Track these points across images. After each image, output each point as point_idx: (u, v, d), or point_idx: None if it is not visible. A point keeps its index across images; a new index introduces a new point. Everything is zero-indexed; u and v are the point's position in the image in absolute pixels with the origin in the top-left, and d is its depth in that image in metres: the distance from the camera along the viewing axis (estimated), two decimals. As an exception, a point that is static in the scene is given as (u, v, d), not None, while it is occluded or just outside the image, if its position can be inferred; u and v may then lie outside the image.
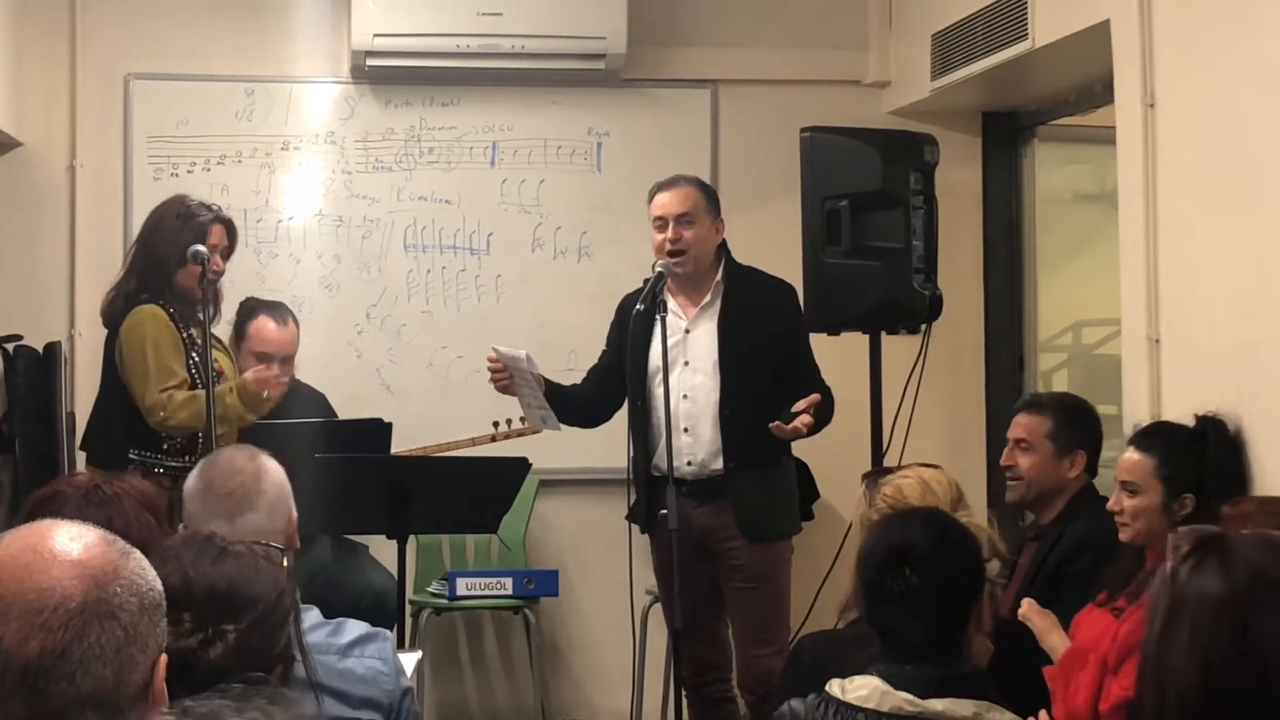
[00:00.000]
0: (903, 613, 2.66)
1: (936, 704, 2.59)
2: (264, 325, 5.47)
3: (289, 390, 5.60)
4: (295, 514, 3.00)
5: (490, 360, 4.91)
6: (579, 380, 5.15)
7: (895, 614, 2.67)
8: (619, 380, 5.00)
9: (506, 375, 4.88)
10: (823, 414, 4.84)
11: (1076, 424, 4.37)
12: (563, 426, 5.06)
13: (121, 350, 4.80)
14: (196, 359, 4.73)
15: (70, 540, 1.53)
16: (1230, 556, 1.98)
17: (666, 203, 4.89)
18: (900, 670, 2.63)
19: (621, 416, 5.02)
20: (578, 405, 5.05)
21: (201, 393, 4.68)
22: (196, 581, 2.15)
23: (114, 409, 4.85)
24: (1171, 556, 2.05)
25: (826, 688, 2.67)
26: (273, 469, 2.99)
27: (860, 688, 2.64)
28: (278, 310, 5.57)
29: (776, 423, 4.71)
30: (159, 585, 1.57)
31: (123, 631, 1.50)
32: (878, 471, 3.66)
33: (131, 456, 4.73)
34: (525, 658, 6.16)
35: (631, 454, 4.94)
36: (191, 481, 3.00)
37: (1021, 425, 4.39)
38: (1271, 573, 1.98)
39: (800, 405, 4.72)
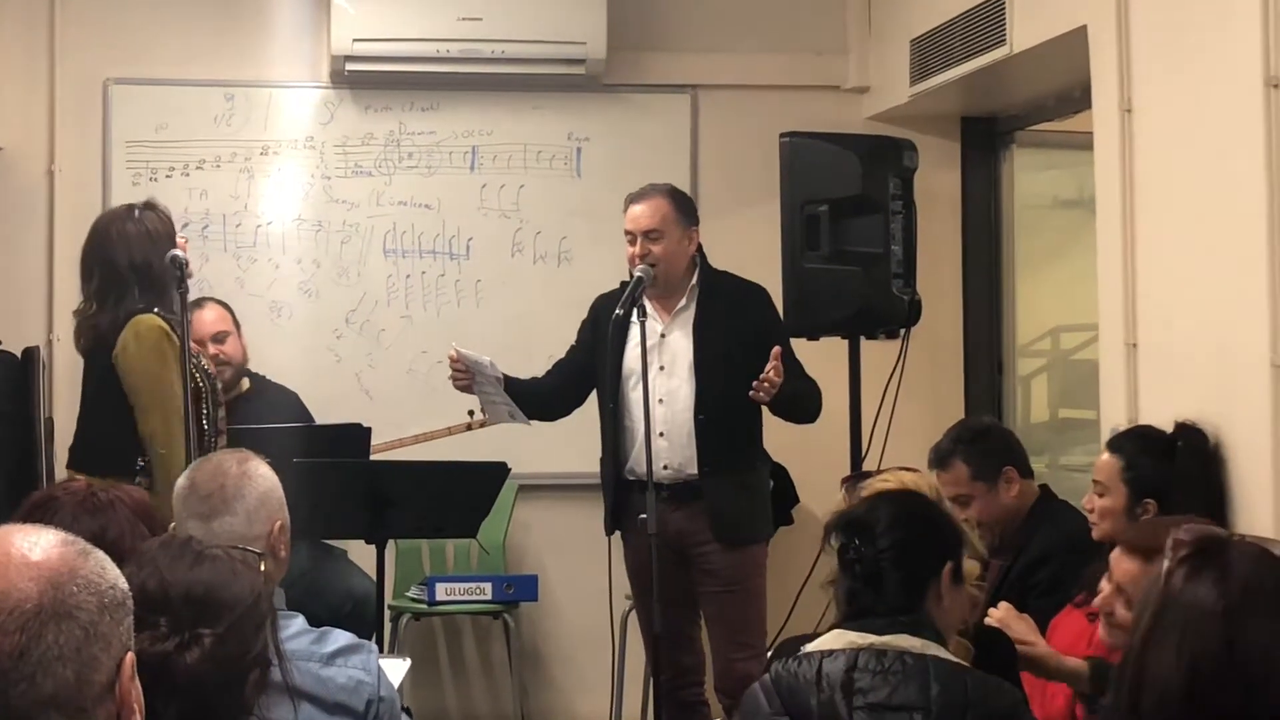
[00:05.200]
0: (862, 579, 2.75)
1: (889, 639, 2.67)
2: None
3: (259, 390, 5.62)
4: (285, 521, 2.97)
5: (452, 359, 4.92)
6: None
7: (855, 580, 2.76)
8: (583, 378, 5.02)
9: (467, 375, 4.90)
10: (808, 402, 4.89)
11: (985, 448, 4.27)
12: (532, 422, 5.07)
13: (135, 360, 4.50)
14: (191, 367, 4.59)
15: (27, 544, 1.54)
16: (1228, 566, 1.96)
17: (635, 217, 4.90)
18: (859, 622, 2.73)
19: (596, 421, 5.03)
20: (537, 398, 5.06)
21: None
22: (173, 585, 2.14)
23: (117, 417, 4.55)
24: (1169, 555, 2.02)
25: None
26: (260, 475, 2.96)
27: (821, 642, 2.73)
28: (193, 304, 5.48)
29: (753, 389, 4.68)
30: (122, 584, 1.57)
31: (82, 631, 1.50)
32: (858, 475, 3.67)
33: (140, 465, 4.49)
34: (505, 663, 6.16)
35: (601, 456, 4.96)
36: (180, 479, 3.00)
37: (948, 483, 4.17)
38: (1266, 585, 1.98)
39: (768, 368, 4.69)
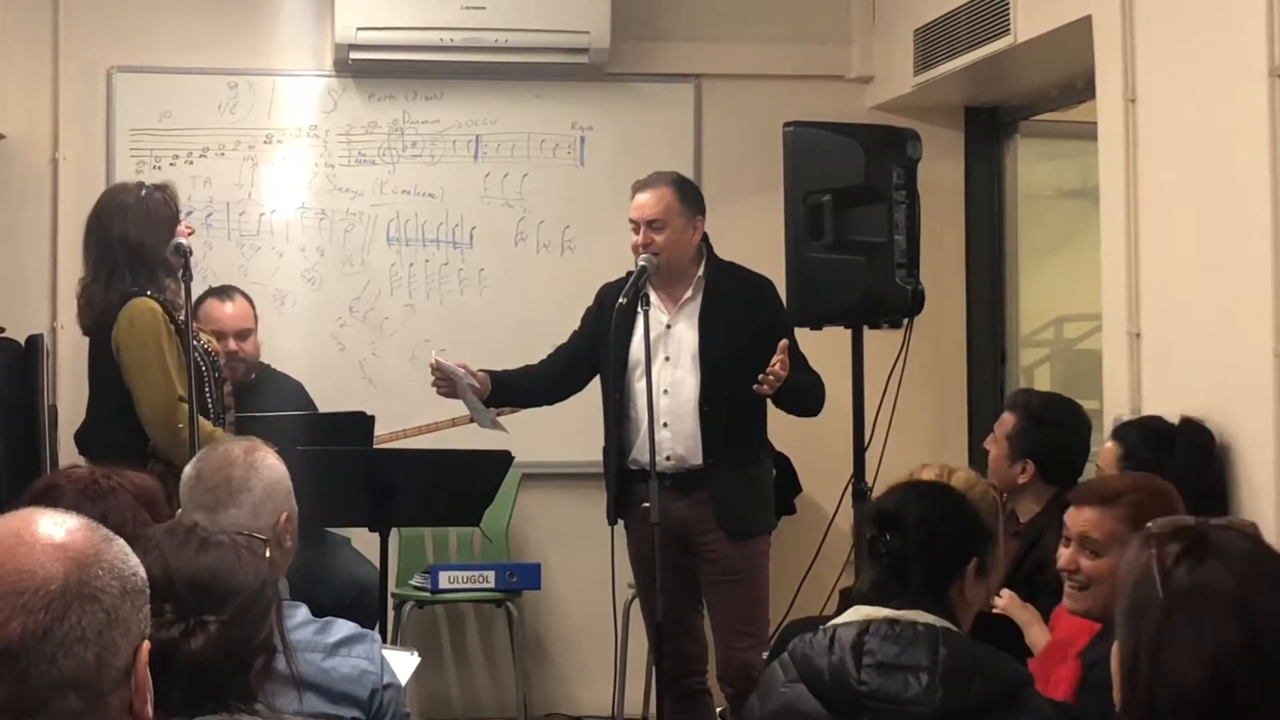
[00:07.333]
0: (889, 569, 2.75)
1: (905, 612, 2.67)
2: (212, 307, 5.50)
3: (263, 379, 5.62)
4: (293, 512, 2.97)
5: (433, 367, 4.94)
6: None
7: (882, 571, 2.76)
8: (582, 363, 5.03)
9: (449, 382, 4.93)
10: (811, 395, 4.90)
11: (1032, 433, 4.25)
12: (507, 431, 5.07)
13: (126, 346, 4.48)
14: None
15: (53, 525, 1.55)
16: (1224, 548, 1.93)
17: (639, 206, 4.91)
18: (881, 604, 2.74)
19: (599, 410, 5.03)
20: (532, 384, 5.09)
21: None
22: (178, 572, 2.14)
23: (120, 401, 4.52)
24: (1148, 550, 1.98)
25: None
26: (267, 466, 2.95)
27: (840, 618, 2.73)
28: (221, 292, 5.56)
29: (757, 382, 4.68)
30: (142, 572, 1.58)
31: (104, 614, 1.51)
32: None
33: (152, 448, 4.43)
34: (507, 651, 6.17)
35: (604, 445, 4.96)
36: (188, 467, 2.99)
37: (1001, 419, 4.35)
38: (1264, 559, 1.95)
39: (774, 361, 4.70)
